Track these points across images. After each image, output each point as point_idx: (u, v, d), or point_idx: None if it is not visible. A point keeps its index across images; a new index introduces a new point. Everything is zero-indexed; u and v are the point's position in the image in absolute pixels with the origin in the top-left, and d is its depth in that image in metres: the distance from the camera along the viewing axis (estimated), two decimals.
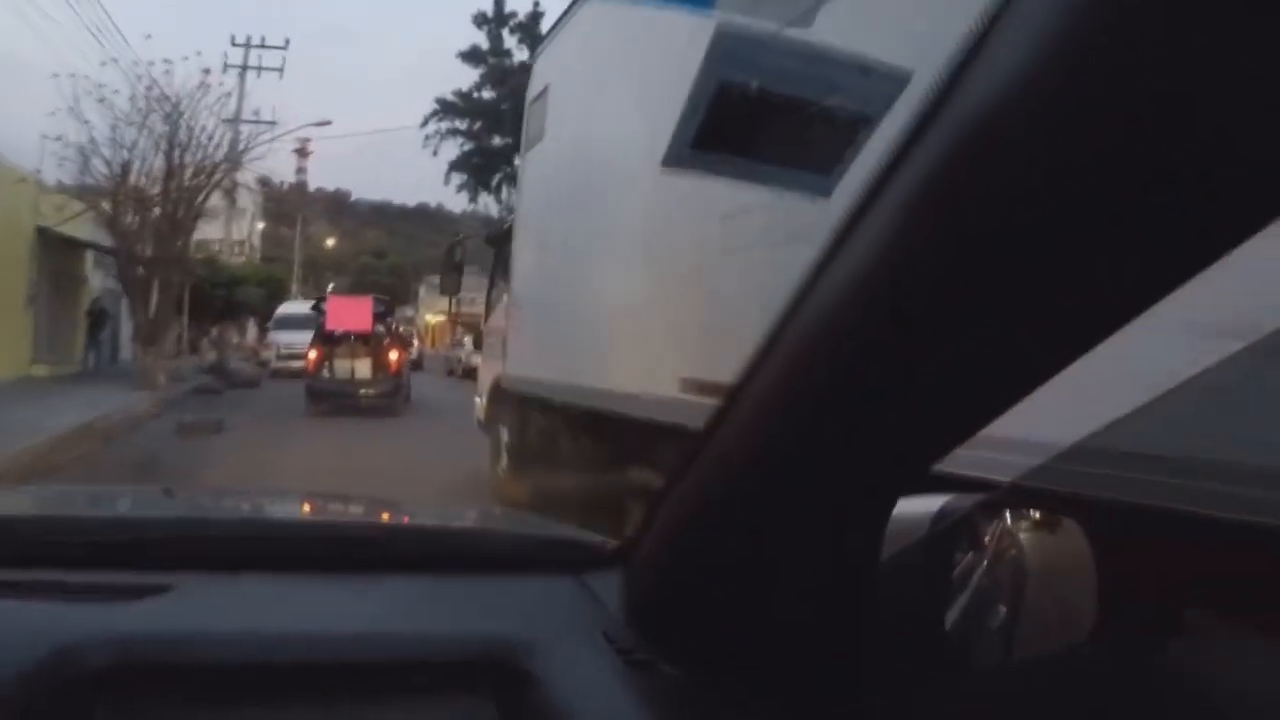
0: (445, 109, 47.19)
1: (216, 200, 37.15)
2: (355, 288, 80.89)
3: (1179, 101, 0.64)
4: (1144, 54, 0.62)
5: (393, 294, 79.39)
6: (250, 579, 1.70)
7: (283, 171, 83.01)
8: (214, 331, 42.53)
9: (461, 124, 47.73)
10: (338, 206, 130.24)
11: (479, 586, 1.79)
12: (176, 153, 28.49)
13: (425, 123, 47.55)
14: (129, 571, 1.65)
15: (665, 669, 1.40)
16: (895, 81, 1.66)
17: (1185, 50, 0.61)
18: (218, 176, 30.15)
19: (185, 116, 28.48)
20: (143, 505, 2.60)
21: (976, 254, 0.82)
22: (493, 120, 46.61)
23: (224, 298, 36.86)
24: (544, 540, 2.16)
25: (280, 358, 39.98)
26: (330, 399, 23.18)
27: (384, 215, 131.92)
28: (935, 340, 0.90)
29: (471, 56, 48.10)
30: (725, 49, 2.10)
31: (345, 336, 24.48)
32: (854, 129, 1.73)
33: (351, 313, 25.03)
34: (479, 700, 1.48)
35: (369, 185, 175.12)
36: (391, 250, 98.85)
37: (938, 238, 0.83)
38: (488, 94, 48.86)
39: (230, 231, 64.85)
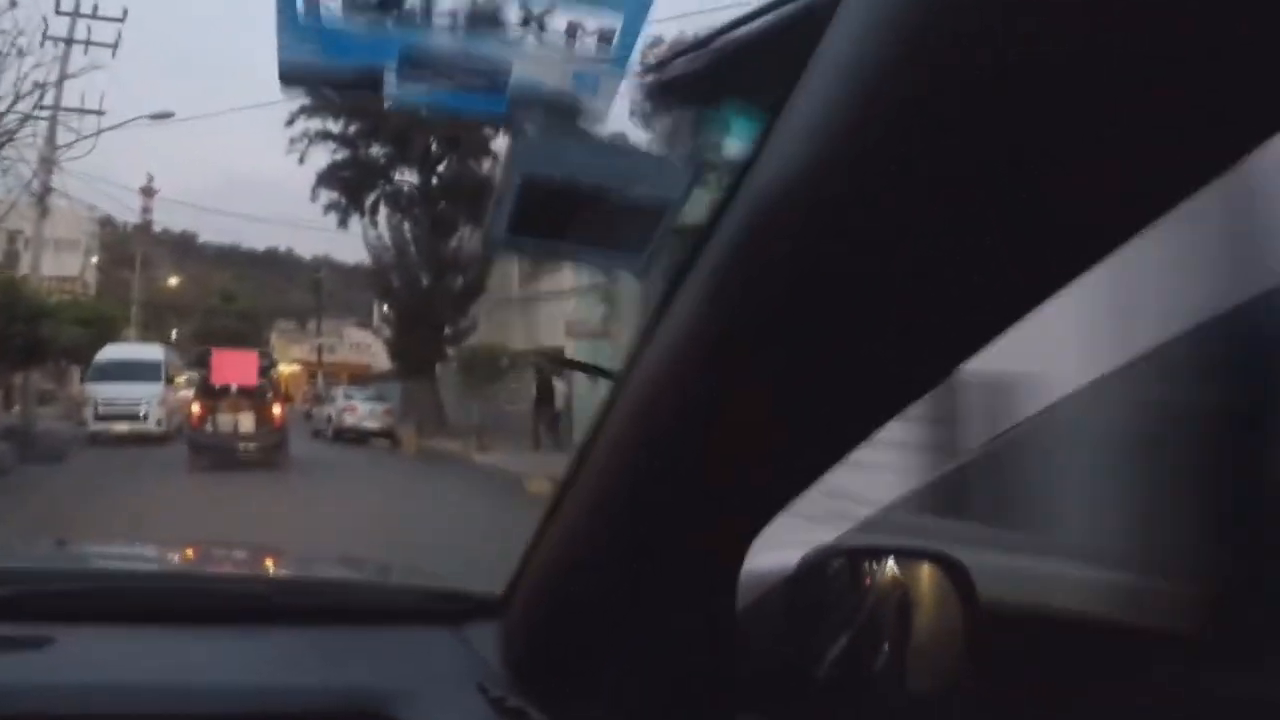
0: (316, 106, 37.83)
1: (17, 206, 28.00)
2: (202, 333, 77.06)
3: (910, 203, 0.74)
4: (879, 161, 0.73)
5: (243, 340, 72.60)
6: (132, 631, 1.74)
7: (125, 212, 75.30)
8: (18, 380, 32.41)
9: (335, 125, 38.45)
10: (184, 249, 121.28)
11: (357, 638, 1.81)
12: None
13: (291, 121, 38.31)
14: (12, 623, 1.66)
15: (536, 717, 1.41)
16: (688, 170, 1.70)
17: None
18: None
19: None
20: (29, 557, 2.65)
21: (775, 318, 0.87)
22: (371, 125, 37.63)
23: (25, 334, 27.20)
24: (423, 592, 2.14)
25: (100, 417, 30.19)
26: (213, 453, 22.65)
27: (232, 259, 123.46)
28: (752, 399, 0.95)
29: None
30: (523, 146, 2.12)
31: (227, 390, 24.12)
32: (649, 218, 1.67)
33: (237, 366, 24.88)
34: None
35: (217, 227, 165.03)
36: (241, 295, 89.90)
37: (740, 303, 0.90)
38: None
39: (57, 265, 56.17)
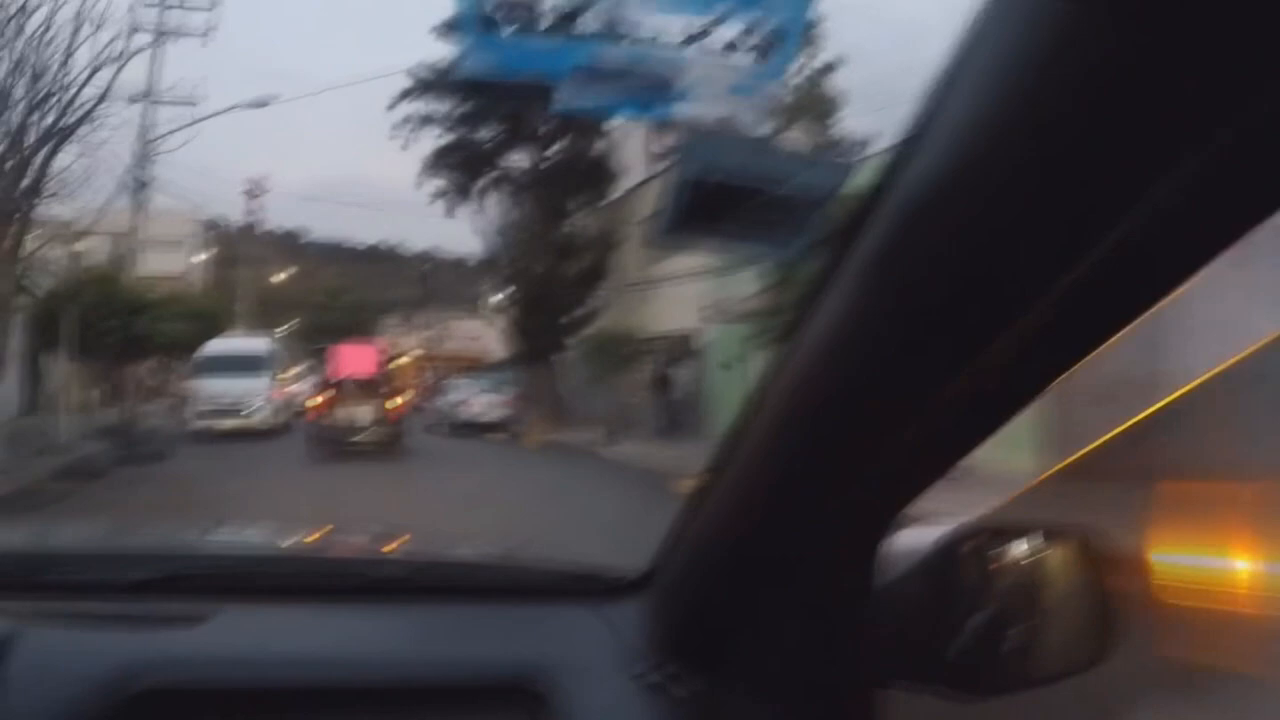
0: (421, 86, 35.39)
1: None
2: (313, 327, 78.20)
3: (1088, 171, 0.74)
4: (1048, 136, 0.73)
5: (351, 333, 70.71)
6: (286, 607, 1.79)
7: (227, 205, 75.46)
8: (122, 376, 30.52)
9: (441, 106, 36.01)
10: (290, 247, 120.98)
11: (503, 615, 1.83)
12: None
13: (394, 105, 35.80)
14: (174, 601, 1.74)
15: (679, 691, 1.45)
16: (842, 167, 1.85)
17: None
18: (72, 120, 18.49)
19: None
20: (188, 539, 2.73)
21: (927, 311, 0.91)
22: (481, 105, 35.14)
23: (120, 330, 25.14)
24: (565, 570, 2.11)
25: (204, 414, 28.11)
26: (331, 445, 22.77)
27: (338, 255, 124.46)
28: (902, 385, 0.99)
29: (456, 26, 34.58)
30: (685, 149, 2.02)
31: (348, 382, 24.36)
32: (808, 208, 1.76)
33: (356, 360, 25.29)
34: None
35: (323, 223, 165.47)
36: (348, 290, 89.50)
37: (893, 299, 0.93)
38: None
39: (162, 264, 55.13)
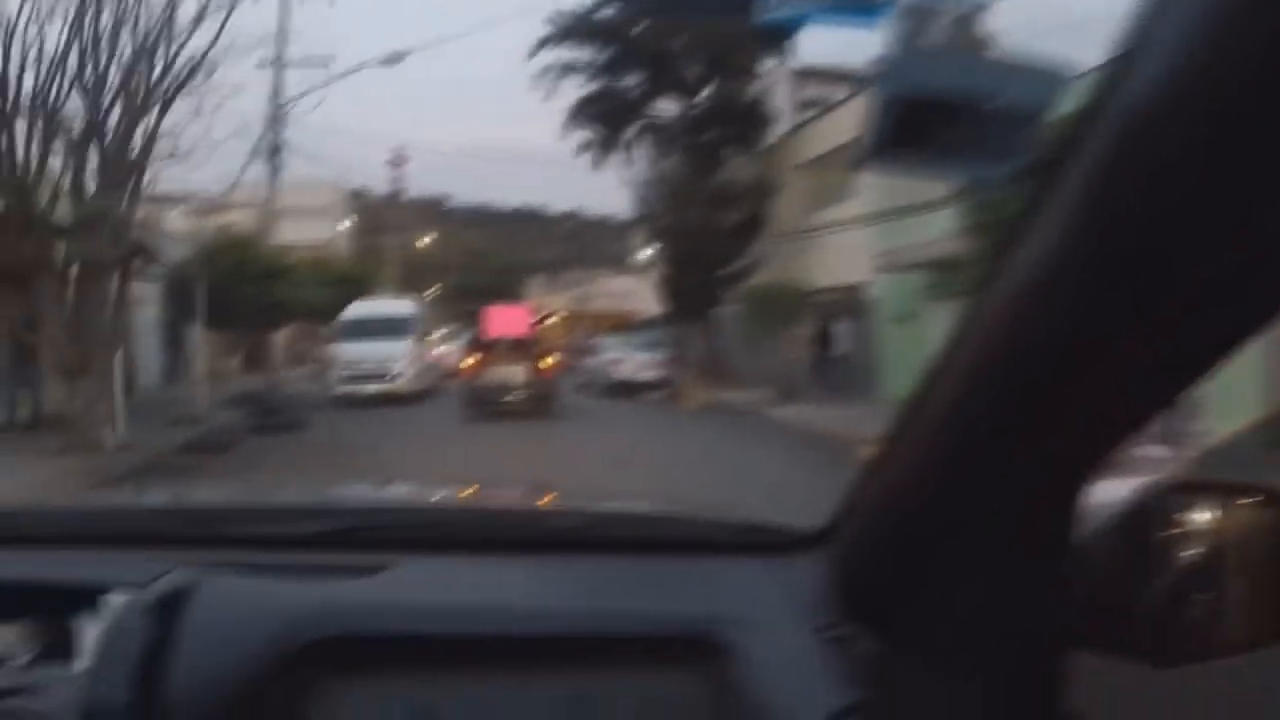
0: (562, 33, 33.22)
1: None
2: (459, 290, 78.46)
3: None
4: None
5: (498, 294, 70.20)
6: (461, 560, 1.80)
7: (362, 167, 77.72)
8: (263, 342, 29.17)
9: (584, 54, 33.79)
10: (435, 212, 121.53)
11: (678, 568, 1.80)
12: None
13: (534, 53, 33.72)
14: (350, 553, 1.78)
15: (863, 645, 1.41)
16: (1057, 79, 1.42)
17: None
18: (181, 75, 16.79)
19: None
20: (363, 493, 2.90)
21: (1144, 245, 0.83)
22: (624, 50, 32.84)
23: (256, 296, 23.66)
24: (742, 524, 2.08)
25: (346, 379, 26.52)
26: (485, 404, 22.84)
27: (483, 218, 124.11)
28: (1112, 327, 0.91)
29: None
30: (891, 60, 1.53)
31: (500, 343, 24.33)
32: (1020, 125, 1.39)
33: (509, 320, 25.33)
34: (684, 674, 1.52)
35: (467, 188, 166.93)
36: (493, 252, 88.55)
37: (1105, 229, 0.86)
38: (611, 10, 34.61)
39: (307, 232, 54.48)
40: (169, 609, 1.41)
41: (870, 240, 24.05)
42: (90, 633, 1.47)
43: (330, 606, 1.54)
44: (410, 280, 77.73)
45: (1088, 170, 0.82)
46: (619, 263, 71.73)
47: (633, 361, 30.48)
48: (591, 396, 30.60)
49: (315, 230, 62.19)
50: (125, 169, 16.38)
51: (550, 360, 25.19)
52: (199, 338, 24.72)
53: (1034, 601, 1.22)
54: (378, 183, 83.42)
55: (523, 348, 24.41)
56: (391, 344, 26.85)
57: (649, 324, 39.26)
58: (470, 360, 24.53)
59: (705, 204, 31.94)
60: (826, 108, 30.19)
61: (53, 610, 1.56)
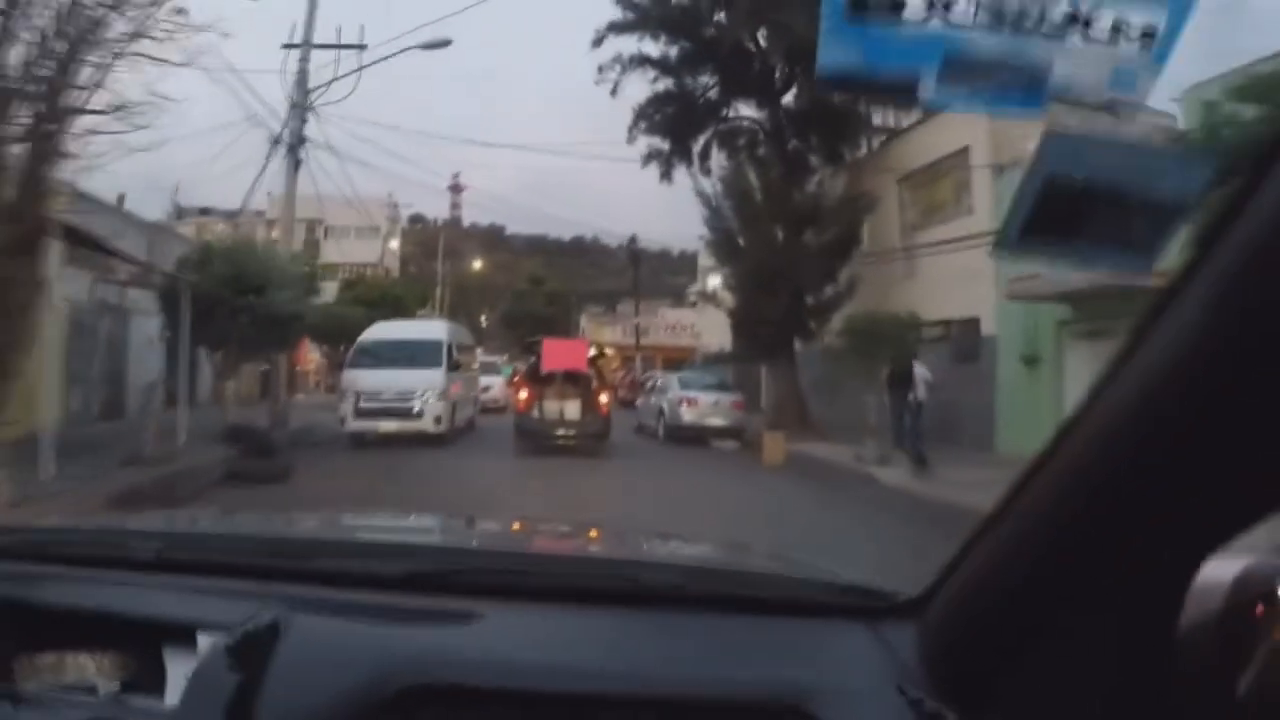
0: (631, 22, 28.37)
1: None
2: (510, 316, 77.98)
3: None
4: None
5: (551, 323, 67.48)
6: (553, 610, 1.77)
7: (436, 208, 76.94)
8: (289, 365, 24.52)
9: (654, 46, 28.98)
10: (493, 240, 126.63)
11: (771, 629, 1.76)
12: None
13: (599, 41, 28.97)
14: (440, 597, 1.76)
15: None
16: (1207, 172, 1.56)
17: None
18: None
19: None
20: (452, 533, 2.82)
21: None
22: (698, 45, 28.01)
23: (253, 309, 19.00)
24: (837, 586, 2.00)
25: (362, 413, 21.68)
26: (538, 438, 21.45)
27: (540, 248, 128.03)
28: (1240, 423, 0.92)
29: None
30: (1050, 145, 1.71)
31: (554, 377, 22.61)
32: (1170, 216, 1.55)
33: (566, 353, 23.55)
34: None
35: (523, 220, 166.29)
36: (547, 278, 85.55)
37: (1244, 320, 0.87)
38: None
39: (356, 252, 50.75)
40: (259, 650, 1.43)
41: (993, 264, 19.00)
42: (180, 668, 1.53)
43: (421, 655, 1.53)
44: (461, 306, 76.81)
45: (1234, 255, 0.84)
46: (676, 295, 67.87)
47: (702, 403, 25.46)
48: (653, 440, 25.88)
49: (365, 250, 58.77)
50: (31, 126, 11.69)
51: (606, 397, 23.30)
52: (185, 356, 20.15)
53: (1137, 688, 1.16)
54: (437, 210, 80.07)
55: (579, 383, 22.89)
56: (417, 373, 21.91)
57: (716, 360, 34.23)
58: (525, 393, 23.01)
59: (788, 221, 26.75)
60: (931, 112, 25.05)
61: (143, 640, 1.58)
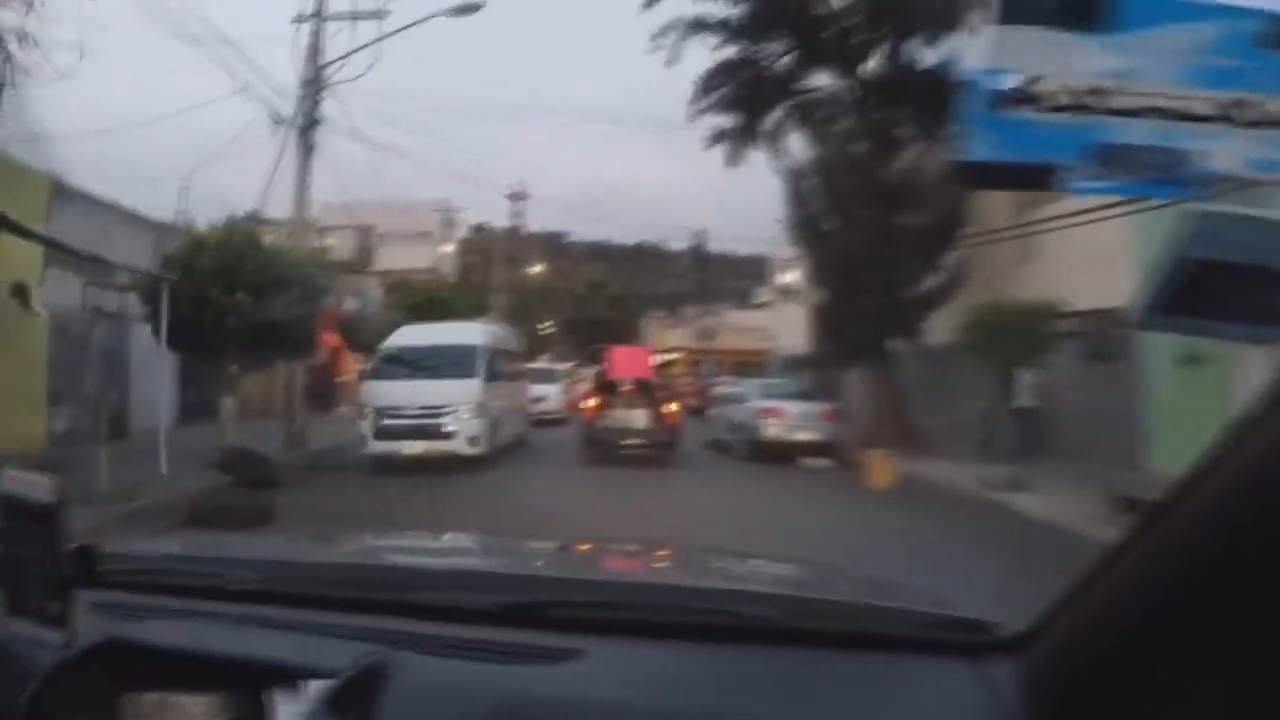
0: None
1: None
2: (571, 322, 76.25)
3: None
4: None
5: (613, 328, 63.54)
6: (657, 647, 1.72)
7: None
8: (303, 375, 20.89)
9: (716, 6, 25.02)
10: (554, 247, 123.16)
11: (871, 665, 1.70)
12: None
13: (651, 2, 24.90)
14: (542, 632, 1.72)
15: None
16: None
17: None
18: None
19: None
20: (544, 560, 2.76)
21: None
22: (765, 5, 24.06)
23: (252, 311, 15.41)
24: (941, 619, 1.89)
25: (384, 434, 17.86)
26: (605, 447, 20.53)
27: (602, 254, 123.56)
28: None
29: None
30: (1194, 223, 1.87)
31: (622, 385, 21.60)
32: None
33: (633, 361, 22.92)
34: None
35: (585, 226, 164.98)
36: (610, 283, 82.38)
37: None
38: None
39: (409, 258, 47.93)
40: (368, 695, 1.42)
41: (1138, 240, 14.79)
42: (285, 712, 1.50)
43: (531, 698, 1.50)
44: (522, 312, 74.38)
45: None
46: (742, 298, 64.16)
47: (789, 414, 21.51)
48: (730, 458, 21.90)
49: (415, 256, 55.69)
50: None
51: (675, 406, 21.84)
52: (166, 367, 16.65)
53: None
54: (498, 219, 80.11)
55: (647, 391, 21.67)
56: (448, 384, 18.11)
57: (795, 364, 30.15)
58: (593, 402, 21.78)
59: (880, 202, 22.33)
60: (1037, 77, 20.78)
61: (244, 680, 1.55)
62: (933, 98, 23.32)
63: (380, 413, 17.89)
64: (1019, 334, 16.26)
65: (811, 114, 25.78)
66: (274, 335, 16.52)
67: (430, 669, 1.54)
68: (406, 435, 17.59)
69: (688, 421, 25.67)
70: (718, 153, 26.97)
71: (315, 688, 1.47)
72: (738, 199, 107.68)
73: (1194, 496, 1.05)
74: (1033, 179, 2.64)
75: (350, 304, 35.51)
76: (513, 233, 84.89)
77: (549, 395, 31.73)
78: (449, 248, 60.24)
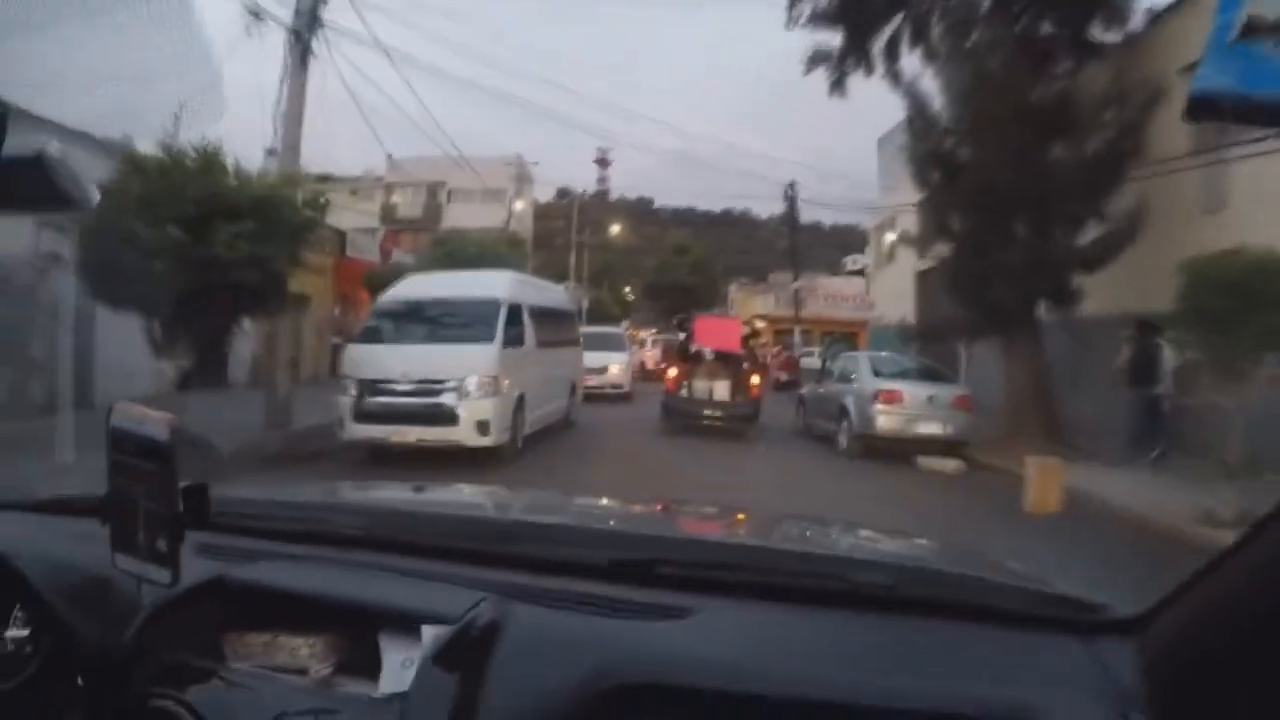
0: None
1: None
2: (654, 288, 72.53)
3: None
4: None
5: (696, 294, 60.39)
6: (761, 607, 1.70)
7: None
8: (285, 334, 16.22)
9: None
10: (641, 213, 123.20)
11: (983, 638, 1.67)
12: None
13: None
14: (653, 589, 1.71)
15: None
16: None
17: None
18: None
19: None
20: (654, 521, 2.69)
21: None
22: None
23: (181, 254, 10.72)
24: (1054, 597, 1.84)
25: (365, 414, 12.84)
26: (686, 417, 19.22)
27: (688, 219, 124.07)
28: None
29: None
30: None
31: (705, 355, 20.35)
32: None
33: (720, 333, 21.30)
34: None
35: (672, 194, 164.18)
36: (693, 247, 78.04)
37: None
38: None
39: (482, 216, 43.55)
40: (482, 643, 1.42)
41: None
42: (397, 656, 1.51)
43: (639, 652, 1.48)
44: (605, 277, 71.60)
45: None
46: (831, 268, 59.30)
47: (909, 400, 16.13)
48: (830, 452, 16.75)
49: (488, 215, 51.42)
50: None
51: (758, 379, 20.60)
52: (71, 321, 12.07)
53: None
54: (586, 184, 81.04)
55: (730, 362, 20.30)
56: (454, 351, 13.22)
57: (906, 334, 24.59)
58: (674, 371, 20.62)
59: (1029, 129, 16.57)
60: None
61: (353, 624, 1.57)
62: (1086, 6, 17.80)
63: (364, 387, 13.00)
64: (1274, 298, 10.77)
65: (932, 26, 20.24)
66: (220, 281, 11.79)
67: (542, 620, 1.52)
68: (395, 418, 12.63)
69: (776, 399, 24.30)
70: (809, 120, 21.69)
71: (428, 633, 1.46)
72: (828, 167, 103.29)
73: None
74: (1266, 113, 2.20)
75: (402, 260, 30.91)
76: (599, 198, 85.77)
77: (611, 365, 26.62)
78: (520, 205, 55.39)
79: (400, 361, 13.00)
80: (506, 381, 13.37)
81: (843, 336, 45.73)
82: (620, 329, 31.33)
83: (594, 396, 23.69)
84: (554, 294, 19.77)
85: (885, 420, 15.94)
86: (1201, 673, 1.27)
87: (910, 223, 27.51)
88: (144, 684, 1.42)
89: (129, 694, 1.42)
